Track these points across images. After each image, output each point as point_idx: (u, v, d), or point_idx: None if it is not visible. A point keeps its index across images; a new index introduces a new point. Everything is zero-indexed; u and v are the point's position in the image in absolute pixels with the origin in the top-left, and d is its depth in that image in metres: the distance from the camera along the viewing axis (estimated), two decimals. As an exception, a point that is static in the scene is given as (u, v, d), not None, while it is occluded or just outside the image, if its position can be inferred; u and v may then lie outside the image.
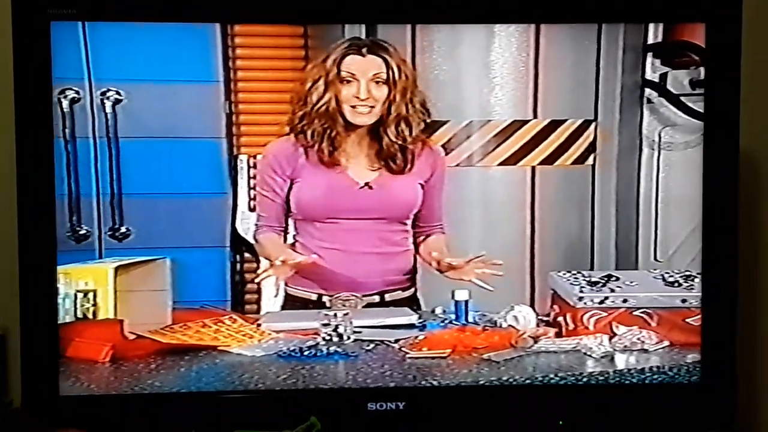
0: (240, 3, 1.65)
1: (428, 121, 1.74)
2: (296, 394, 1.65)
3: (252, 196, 1.78)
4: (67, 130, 1.65)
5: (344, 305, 1.76)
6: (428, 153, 1.76)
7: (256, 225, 1.78)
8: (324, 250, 1.78)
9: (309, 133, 1.72)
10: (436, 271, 1.78)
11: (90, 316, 1.67)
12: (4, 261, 1.70)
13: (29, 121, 1.60)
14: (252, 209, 1.78)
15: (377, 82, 1.71)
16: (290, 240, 1.79)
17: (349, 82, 1.71)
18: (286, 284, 1.79)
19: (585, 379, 1.68)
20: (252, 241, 1.78)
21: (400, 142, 1.74)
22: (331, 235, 1.77)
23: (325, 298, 1.77)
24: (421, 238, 1.82)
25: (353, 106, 1.72)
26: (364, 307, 1.77)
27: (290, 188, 1.76)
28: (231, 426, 1.63)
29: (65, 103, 1.64)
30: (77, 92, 1.64)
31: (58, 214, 1.65)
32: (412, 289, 1.82)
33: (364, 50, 1.70)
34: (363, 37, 1.71)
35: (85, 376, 1.64)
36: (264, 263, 1.78)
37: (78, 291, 1.66)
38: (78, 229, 1.68)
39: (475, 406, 1.68)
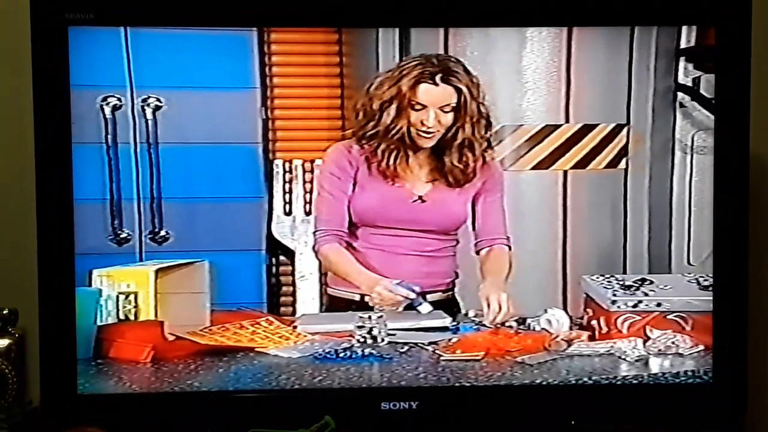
0: (275, 9, 1.68)
1: (492, 141, 1.76)
2: (316, 394, 1.67)
3: (288, 201, 1.80)
4: (109, 137, 1.70)
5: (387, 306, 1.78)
6: (481, 166, 1.78)
7: (315, 233, 1.80)
8: (368, 251, 1.81)
9: (378, 149, 1.76)
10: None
11: (131, 317, 1.71)
12: (23, 262, 1.74)
13: (48, 125, 1.63)
14: (288, 213, 1.81)
15: (446, 111, 1.74)
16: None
17: (418, 109, 1.74)
18: (327, 285, 1.83)
19: (619, 382, 1.69)
20: (303, 251, 1.81)
21: (461, 167, 1.77)
22: (377, 239, 1.81)
23: (367, 299, 1.79)
24: (484, 251, 1.83)
25: (419, 131, 1.75)
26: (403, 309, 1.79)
27: (352, 190, 1.79)
28: (248, 425, 1.65)
29: (107, 110, 1.69)
30: (119, 99, 1.69)
31: (101, 218, 1.70)
32: (452, 291, 1.84)
33: (437, 78, 1.72)
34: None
35: (126, 376, 1.68)
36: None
37: (120, 293, 1.71)
38: (119, 232, 1.72)
39: (506, 407, 1.70)
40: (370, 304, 1.78)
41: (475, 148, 1.76)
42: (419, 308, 1.78)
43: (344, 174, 1.78)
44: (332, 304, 1.83)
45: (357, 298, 1.80)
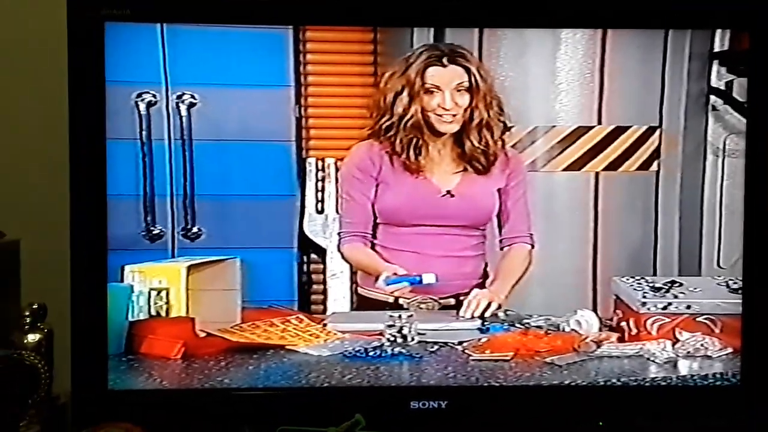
0: (311, 7, 1.68)
1: (507, 123, 1.76)
2: (346, 392, 1.67)
3: (320, 199, 1.80)
4: (143, 133, 1.70)
5: (421, 308, 1.78)
6: (505, 159, 1.79)
7: (339, 234, 1.80)
8: (401, 253, 1.81)
9: (396, 142, 1.76)
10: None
11: (163, 313, 1.72)
12: (54, 257, 1.72)
13: (83, 121, 1.64)
14: (320, 211, 1.81)
15: (460, 91, 1.74)
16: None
17: (432, 93, 1.74)
18: (359, 286, 1.83)
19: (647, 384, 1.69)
20: (334, 250, 1.81)
21: (482, 147, 1.77)
22: (409, 239, 1.80)
23: (402, 301, 1.79)
24: (505, 249, 1.83)
25: (439, 115, 1.75)
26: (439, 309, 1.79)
27: (375, 192, 1.80)
28: (277, 422, 1.65)
29: (142, 106, 1.69)
30: (154, 95, 1.69)
31: (134, 214, 1.70)
32: (483, 290, 1.83)
33: (444, 60, 1.73)
34: (432, 41, 1.74)
35: (157, 372, 1.68)
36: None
37: (152, 289, 1.71)
38: (152, 228, 1.73)
39: (535, 407, 1.70)
40: (405, 305, 1.79)
41: (493, 129, 1.75)
42: (424, 280, 1.76)
43: (365, 176, 1.78)
44: (363, 305, 1.82)
45: (391, 299, 1.80)
